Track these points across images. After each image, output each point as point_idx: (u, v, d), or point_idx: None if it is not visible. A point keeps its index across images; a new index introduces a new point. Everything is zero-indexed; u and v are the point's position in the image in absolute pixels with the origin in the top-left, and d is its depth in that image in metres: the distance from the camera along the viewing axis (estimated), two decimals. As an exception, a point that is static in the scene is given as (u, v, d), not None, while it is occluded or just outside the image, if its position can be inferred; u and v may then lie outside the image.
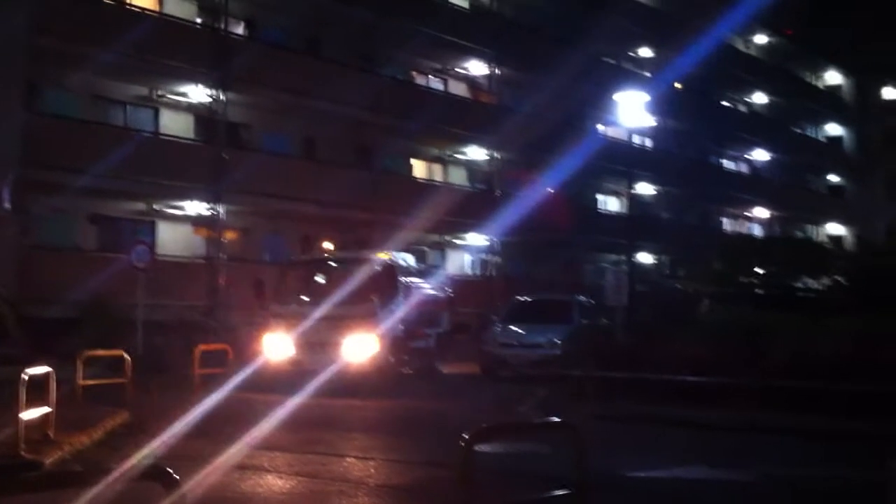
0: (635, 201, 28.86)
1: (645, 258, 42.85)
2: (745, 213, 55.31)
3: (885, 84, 63.14)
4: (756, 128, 55.45)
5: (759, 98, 57.57)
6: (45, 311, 21.51)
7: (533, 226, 34.78)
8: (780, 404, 14.14)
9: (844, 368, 14.25)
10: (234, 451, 11.18)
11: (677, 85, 46.30)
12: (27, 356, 14.20)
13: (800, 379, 14.45)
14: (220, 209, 28.13)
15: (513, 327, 23.44)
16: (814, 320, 16.43)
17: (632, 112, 25.47)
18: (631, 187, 26.96)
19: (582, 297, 25.46)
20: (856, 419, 13.27)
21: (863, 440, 12.62)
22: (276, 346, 19.66)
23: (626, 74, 42.77)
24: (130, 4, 28.03)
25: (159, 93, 28.81)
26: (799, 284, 28.61)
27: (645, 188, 44.94)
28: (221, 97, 28.55)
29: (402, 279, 21.00)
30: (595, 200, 46.21)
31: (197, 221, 28.92)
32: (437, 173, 39.01)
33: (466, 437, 5.29)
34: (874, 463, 11.28)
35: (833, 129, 65.42)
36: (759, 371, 14.75)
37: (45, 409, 11.10)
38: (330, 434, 13.75)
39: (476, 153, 38.38)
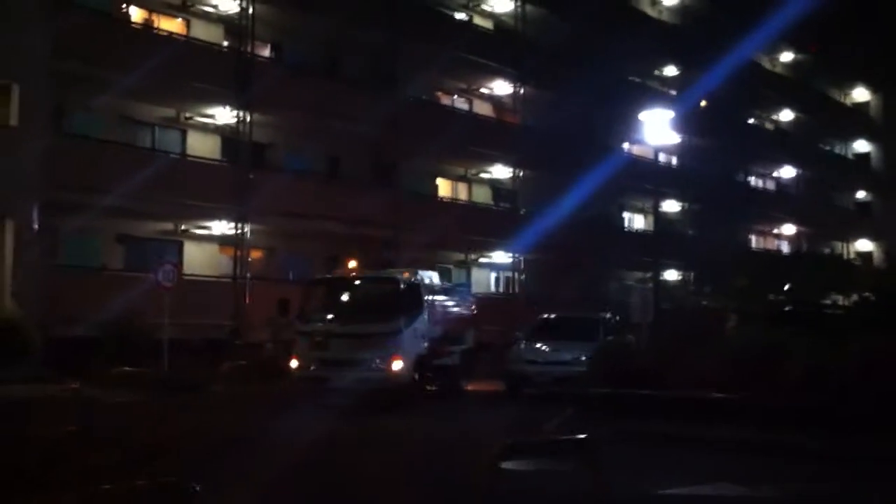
0: (661, 219, 28.73)
1: (671, 275, 42.66)
2: (773, 231, 54.99)
3: (914, 100, 62.68)
4: (782, 145, 55.16)
5: (786, 115, 57.28)
6: (70, 330, 21.66)
7: (557, 244, 34.79)
8: (804, 423, 13.97)
9: (868, 386, 14.06)
10: (256, 469, 11.20)
11: (703, 103, 46.17)
12: (52, 375, 14.32)
13: (825, 397, 14.28)
14: (246, 228, 28.30)
15: (538, 345, 23.34)
16: (839, 337, 16.22)
17: (657, 130, 25.39)
18: (657, 205, 26.82)
19: (607, 315, 25.35)
20: (879, 438, 13.08)
21: (887, 460, 12.45)
22: (301, 363, 19.70)
23: (652, 93, 42.74)
24: (158, 28, 28.35)
25: (187, 115, 29.09)
26: (826, 301, 28.34)
27: (671, 206, 44.82)
28: (247, 118, 28.77)
29: (427, 297, 21.01)
30: (621, 218, 46.12)
31: (223, 241, 29.11)
32: (462, 192, 39.09)
33: (491, 454, 5.28)
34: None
35: (861, 145, 64.95)
36: (784, 389, 14.60)
37: (71, 426, 11.16)
38: (353, 451, 13.74)
39: (500, 172, 38.44)
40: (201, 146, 29.53)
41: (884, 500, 10.35)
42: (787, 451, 13.11)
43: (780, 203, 54.50)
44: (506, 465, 7.62)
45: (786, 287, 27.22)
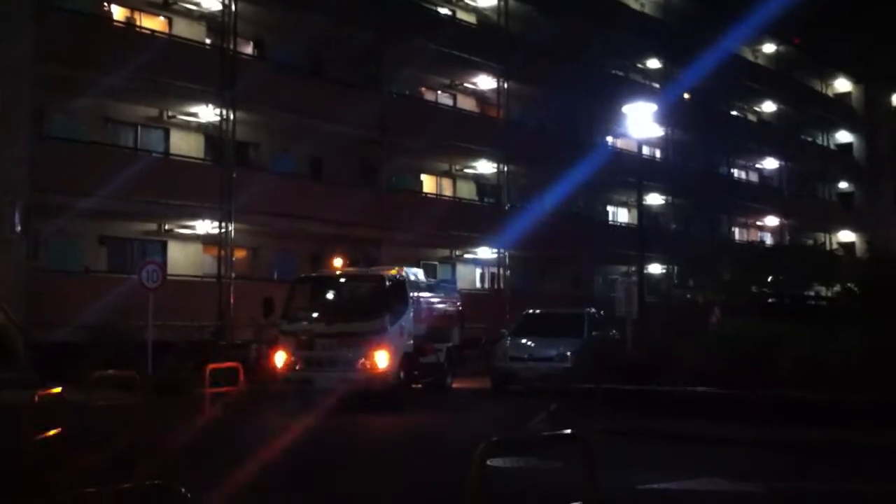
0: (645, 212, 28.79)
1: (655, 269, 42.78)
2: (756, 222, 55.22)
3: (894, 91, 63.00)
4: (765, 137, 55.40)
5: (768, 107, 57.50)
6: (53, 334, 21.53)
7: (542, 239, 34.82)
8: (791, 416, 14.02)
9: (857, 379, 14.12)
10: (242, 472, 11.18)
11: (686, 96, 46.31)
12: (36, 379, 14.24)
13: (811, 390, 14.33)
14: (230, 228, 28.19)
15: (523, 341, 23.37)
16: (825, 330, 16.29)
17: (640, 123, 25.39)
18: (640, 198, 26.88)
19: (592, 310, 25.38)
20: (868, 431, 13.14)
21: (876, 452, 12.51)
22: (286, 363, 19.65)
23: (635, 86, 42.80)
24: (139, 27, 28.19)
25: (169, 114, 28.94)
26: (810, 293, 28.45)
27: (654, 199, 44.95)
28: (230, 117, 28.64)
29: (412, 294, 20.98)
30: (605, 212, 46.22)
31: (207, 241, 28.99)
32: (447, 188, 39.08)
33: (478, 451, 5.26)
34: (887, 475, 11.24)
35: (843, 136, 65.32)
36: (771, 383, 14.64)
37: (56, 430, 11.11)
38: (338, 450, 13.73)
39: (485, 167, 38.43)
40: (184, 145, 29.39)
41: (876, 492, 10.40)
42: (780, 445, 13.15)
43: (763, 195, 54.73)
44: (492, 462, 7.62)
45: (769, 279, 27.28)
